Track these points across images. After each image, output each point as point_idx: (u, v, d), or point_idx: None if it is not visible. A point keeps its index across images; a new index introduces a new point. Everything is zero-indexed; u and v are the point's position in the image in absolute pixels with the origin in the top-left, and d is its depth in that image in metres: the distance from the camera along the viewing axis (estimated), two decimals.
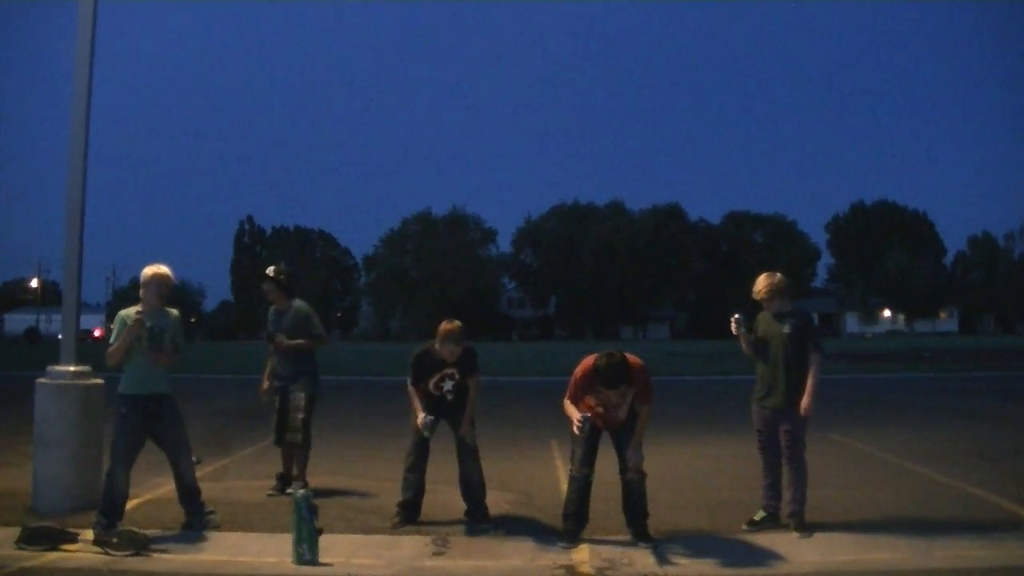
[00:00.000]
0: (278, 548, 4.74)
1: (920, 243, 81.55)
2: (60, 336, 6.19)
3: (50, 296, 77.43)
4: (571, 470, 5.07)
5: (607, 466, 5.15)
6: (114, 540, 4.71)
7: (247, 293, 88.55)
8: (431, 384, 5.42)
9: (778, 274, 5.29)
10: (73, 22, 5.98)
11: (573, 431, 4.97)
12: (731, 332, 5.37)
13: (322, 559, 4.53)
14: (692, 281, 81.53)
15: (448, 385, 5.42)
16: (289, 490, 6.10)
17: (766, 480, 5.34)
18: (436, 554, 4.78)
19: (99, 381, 5.86)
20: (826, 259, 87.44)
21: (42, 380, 5.77)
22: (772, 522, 5.24)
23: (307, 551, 4.53)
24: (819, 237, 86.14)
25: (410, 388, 5.48)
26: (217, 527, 5.20)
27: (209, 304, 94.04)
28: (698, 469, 7.44)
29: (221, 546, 4.88)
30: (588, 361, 4.89)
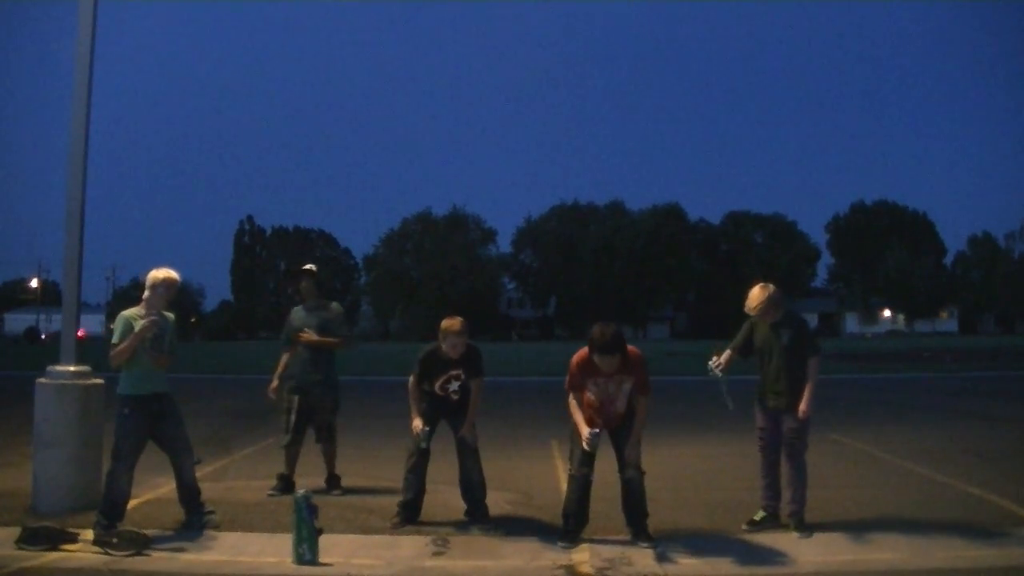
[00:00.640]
0: (278, 548, 4.74)
1: (920, 243, 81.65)
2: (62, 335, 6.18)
3: (50, 296, 77.43)
4: (570, 469, 5.07)
5: (607, 466, 5.15)
6: (114, 540, 4.71)
7: (247, 293, 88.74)
8: (437, 385, 5.41)
9: (771, 286, 5.29)
10: (73, 22, 5.99)
11: (581, 442, 4.94)
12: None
13: (322, 559, 4.53)
14: (692, 281, 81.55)
15: (454, 386, 5.41)
16: (335, 492, 6.24)
17: (764, 480, 5.35)
18: (436, 554, 4.78)
19: (99, 381, 5.85)
20: (826, 259, 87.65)
21: (42, 380, 5.77)
22: (772, 522, 5.24)
23: (307, 551, 4.53)
24: (819, 237, 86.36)
25: (411, 388, 5.47)
26: (217, 527, 5.20)
27: (209, 304, 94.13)
28: (698, 469, 7.45)
29: (221, 546, 4.88)
30: (585, 348, 4.92)
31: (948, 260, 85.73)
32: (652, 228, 79.60)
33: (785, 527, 5.17)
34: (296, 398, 6.30)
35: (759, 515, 5.28)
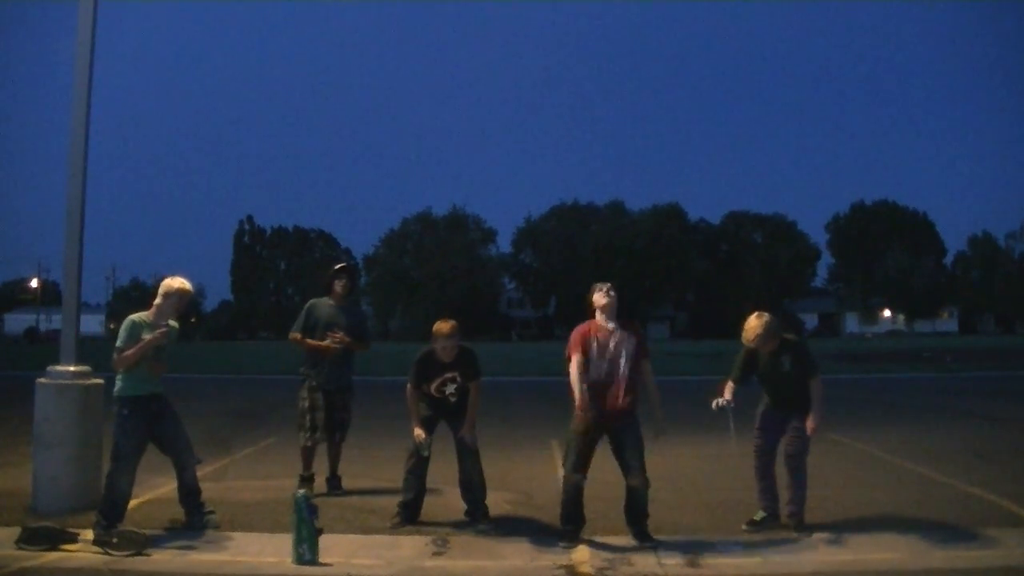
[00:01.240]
0: (278, 548, 4.74)
1: (920, 243, 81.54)
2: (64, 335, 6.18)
3: (50, 296, 77.34)
4: (563, 474, 5.09)
5: (606, 465, 5.15)
6: (114, 540, 4.71)
7: (247, 293, 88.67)
8: (433, 387, 5.42)
9: (766, 315, 5.32)
10: (73, 22, 5.99)
11: (575, 441, 4.97)
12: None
13: (322, 559, 4.54)
14: (692, 281, 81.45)
15: (451, 388, 5.42)
16: (336, 492, 6.25)
17: (760, 484, 5.36)
18: (436, 554, 4.78)
19: (99, 381, 5.85)
20: (826, 259, 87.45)
21: (42, 380, 5.77)
22: (772, 522, 5.25)
23: (307, 551, 4.53)
24: (819, 237, 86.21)
25: (410, 393, 5.46)
26: (217, 527, 5.20)
27: (209, 304, 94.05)
28: (698, 469, 7.46)
29: (221, 546, 4.89)
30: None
31: (948, 260, 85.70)
32: (652, 228, 79.54)
33: (785, 527, 5.18)
34: (320, 396, 6.25)
35: (759, 515, 5.29)
